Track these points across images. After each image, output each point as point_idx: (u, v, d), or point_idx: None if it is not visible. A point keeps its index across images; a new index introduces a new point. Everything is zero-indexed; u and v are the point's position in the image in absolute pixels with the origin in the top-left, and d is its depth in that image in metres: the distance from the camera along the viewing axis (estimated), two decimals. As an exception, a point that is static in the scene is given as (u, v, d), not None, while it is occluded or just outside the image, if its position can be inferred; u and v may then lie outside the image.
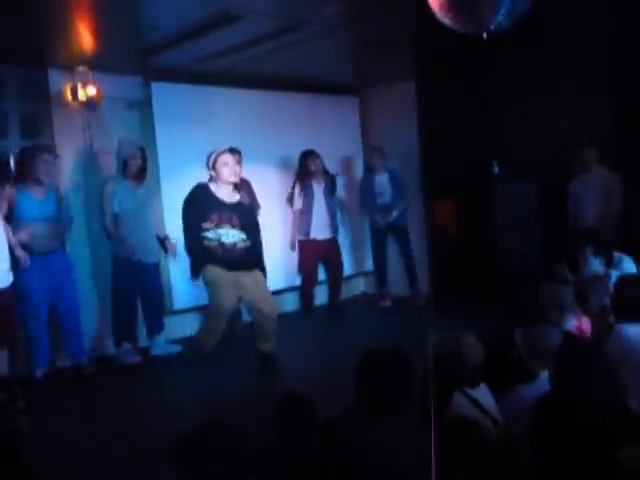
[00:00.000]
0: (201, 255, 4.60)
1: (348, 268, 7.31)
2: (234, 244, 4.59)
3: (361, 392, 2.37)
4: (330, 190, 6.56)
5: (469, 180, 6.45)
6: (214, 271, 4.58)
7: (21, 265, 4.52)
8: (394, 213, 6.76)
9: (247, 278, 4.65)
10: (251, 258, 4.71)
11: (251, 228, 4.75)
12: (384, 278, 7.07)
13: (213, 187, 4.66)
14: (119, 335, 5.41)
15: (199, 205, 4.60)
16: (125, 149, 5.33)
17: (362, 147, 7.67)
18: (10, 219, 4.52)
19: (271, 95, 6.63)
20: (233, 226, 4.58)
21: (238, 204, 4.71)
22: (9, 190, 4.58)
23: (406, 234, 6.93)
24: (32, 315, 4.71)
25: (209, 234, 4.54)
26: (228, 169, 4.61)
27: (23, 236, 4.47)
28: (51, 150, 4.82)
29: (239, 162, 5.75)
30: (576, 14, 4.72)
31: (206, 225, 4.53)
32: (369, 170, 6.88)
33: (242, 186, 5.73)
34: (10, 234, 4.40)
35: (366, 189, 6.91)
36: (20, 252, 4.46)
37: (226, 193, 4.68)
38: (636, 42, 5.15)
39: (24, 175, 4.73)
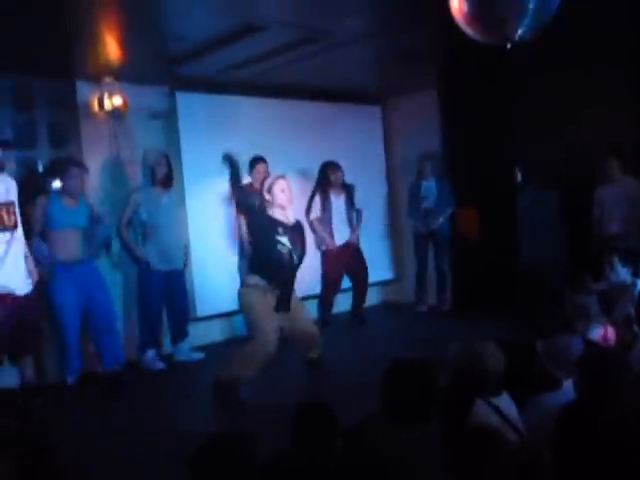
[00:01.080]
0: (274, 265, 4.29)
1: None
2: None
3: (385, 400, 2.38)
4: (349, 201, 6.56)
5: (492, 188, 6.43)
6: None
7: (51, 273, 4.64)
8: (440, 219, 6.79)
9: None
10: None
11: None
12: (423, 283, 7.08)
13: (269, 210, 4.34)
14: (144, 341, 5.47)
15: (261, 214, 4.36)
16: (151, 157, 5.43)
17: (385, 156, 7.70)
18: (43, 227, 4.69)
19: (294, 104, 6.68)
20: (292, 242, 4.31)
21: (294, 226, 4.42)
22: (42, 200, 4.72)
23: (445, 241, 6.93)
24: (62, 322, 4.77)
25: (282, 239, 4.26)
26: (283, 195, 4.30)
27: None
28: (80, 164, 4.91)
29: (266, 171, 5.79)
30: (601, 20, 4.71)
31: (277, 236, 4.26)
32: (419, 176, 6.92)
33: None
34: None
35: (413, 194, 6.96)
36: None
37: (281, 214, 4.35)
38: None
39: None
